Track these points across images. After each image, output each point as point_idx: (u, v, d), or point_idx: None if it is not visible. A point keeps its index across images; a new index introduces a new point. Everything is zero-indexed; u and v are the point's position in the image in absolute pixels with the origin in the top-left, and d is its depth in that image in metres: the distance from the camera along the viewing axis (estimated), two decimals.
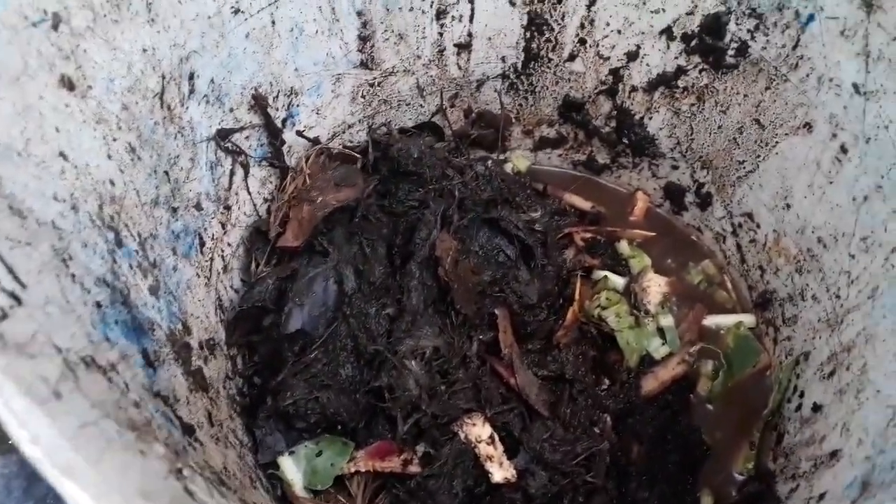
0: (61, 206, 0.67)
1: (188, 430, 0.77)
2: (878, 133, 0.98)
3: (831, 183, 1.07)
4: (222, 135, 1.01)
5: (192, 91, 0.94)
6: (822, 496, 0.94)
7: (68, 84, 0.70)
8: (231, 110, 1.02)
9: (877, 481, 0.83)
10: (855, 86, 0.99)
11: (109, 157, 0.77)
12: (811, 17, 1.01)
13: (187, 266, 0.95)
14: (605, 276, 1.31)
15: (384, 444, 1.03)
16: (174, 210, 0.92)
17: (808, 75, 1.05)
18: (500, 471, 1.00)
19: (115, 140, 0.78)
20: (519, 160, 1.47)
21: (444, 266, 1.10)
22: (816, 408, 1.09)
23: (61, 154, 0.69)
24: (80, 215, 0.70)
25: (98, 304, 0.68)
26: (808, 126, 1.09)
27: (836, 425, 1.01)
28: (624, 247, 1.38)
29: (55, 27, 0.69)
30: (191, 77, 0.93)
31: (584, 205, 1.42)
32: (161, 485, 0.56)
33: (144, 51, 0.83)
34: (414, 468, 1.00)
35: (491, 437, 1.02)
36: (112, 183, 0.77)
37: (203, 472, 0.72)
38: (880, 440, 0.88)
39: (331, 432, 1.05)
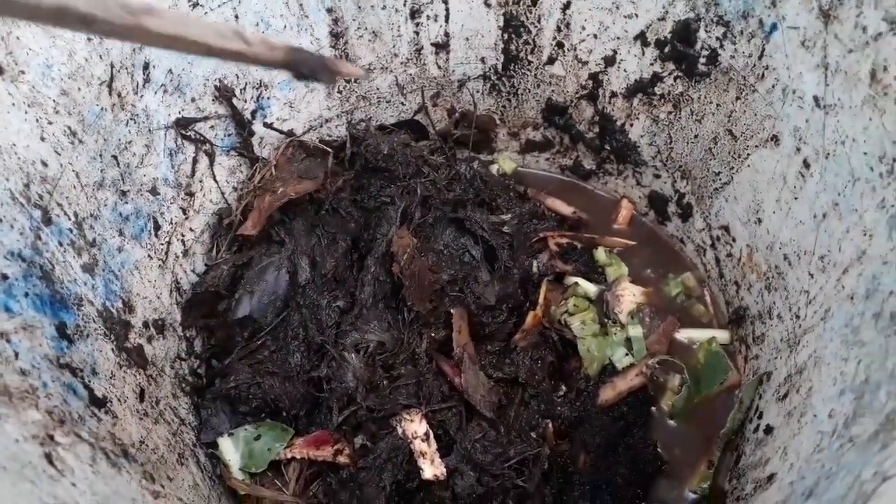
0: None
1: (98, 401, 0.81)
2: (836, 149, 0.94)
3: (796, 199, 1.04)
4: (183, 123, 1.05)
5: (147, 80, 0.98)
6: None
7: None
8: (193, 100, 1.06)
9: None
10: (815, 99, 0.95)
11: (43, 139, 0.82)
12: (774, 27, 0.98)
13: (136, 247, 0.99)
14: (576, 283, 1.29)
15: (322, 434, 1.05)
16: (123, 193, 0.97)
17: (773, 86, 1.02)
18: (431, 468, 1.01)
19: (50, 123, 0.82)
20: (506, 162, 1.47)
21: (399, 262, 1.11)
22: (769, 430, 1.05)
23: None
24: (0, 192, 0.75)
25: (4, 276, 0.72)
26: (776, 139, 1.05)
27: (779, 449, 0.98)
28: (601, 254, 1.36)
29: None
30: (145, 67, 0.97)
31: (566, 209, 1.41)
32: (13, 448, 0.59)
33: (89, 39, 0.87)
34: (343, 459, 1.02)
35: (426, 434, 1.03)
36: (44, 164, 0.82)
37: (98, 442, 0.75)
38: (805, 466, 0.85)
39: (275, 418, 1.08)
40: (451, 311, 1.14)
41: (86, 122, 0.88)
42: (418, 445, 1.02)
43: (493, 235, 1.22)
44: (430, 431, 1.03)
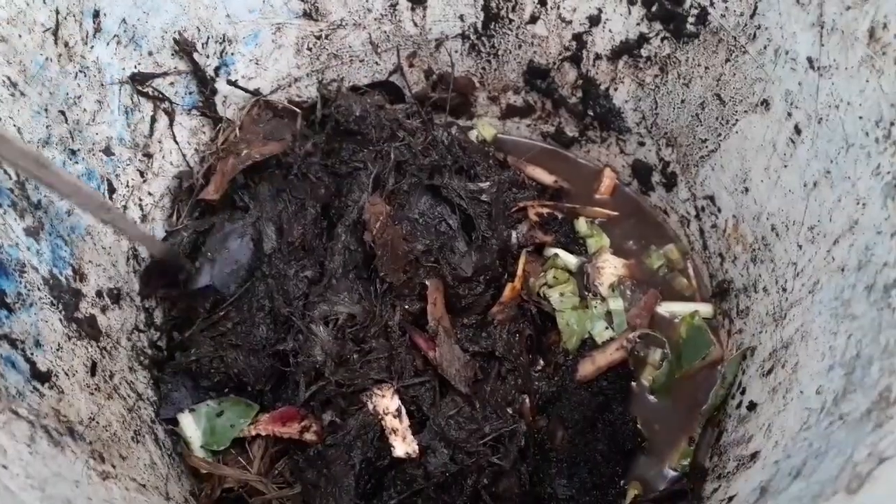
0: None
1: (41, 376, 0.75)
2: (829, 113, 0.89)
3: (786, 167, 0.99)
4: (139, 79, 0.98)
5: (97, 30, 0.90)
6: (731, 499, 0.88)
7: None
8: (150, 54, 0.99)
9: (773, 488, 0.77)
10: (809, 60, 0.90)
11: None
12: None
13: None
14: (556, 254, 1.25)
15: (289, 410, 1.00)
16: (73, 152, 0.90)
17: (765, 47, 0.97)
18: (403, 445, 0.96)
19: None
20: (485, 128, 1.41)
21: (371, 230, 1.06)
22: (752, 406, 1.02)
23: None
24: None
25: None
26: (766, 103, 1.00)
27: (763, 426, 0.94)
28: (582, 225, 1.31)
29: None
30: (95, 15, 0.89)
31: (547, 178, 1.35)
32: None
33: None
34: (310, 436, 0.97)
35: (398, 410, 0.98)
36: None
37: (39, 420, 0.69)
38: (791, 444, 0.81)
39: (239, 393, 1.03)
40: (426, 282, 1.09)
41: (28, 73, 0.81)
42: (390, 422, 0.98)
43: (471, 204, 1.16)
44: (403, 408, 0.98)
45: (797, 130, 0.95)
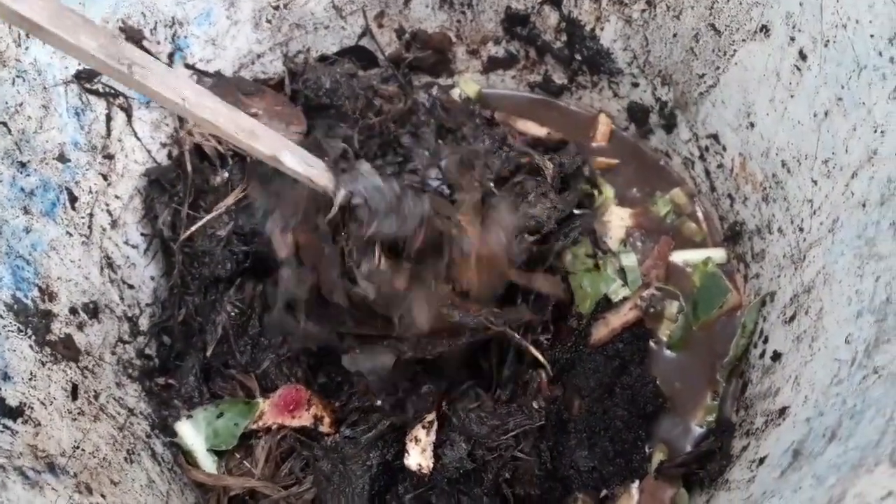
0: None
1: (11, 412, 0.70)
2: (836, 34, 0.81)
3: (792, 97, 0.91)
4: (85, 76, 0.91)
5: None
6: (762, 460, 0.83)
7: None
8: None
9: (807, 451, 0.71)
10: None
11: None
12: None
13: (49, 225, 0.87)
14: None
15: (291, 392, 0.96)
16: (22, 164, 0.83)
17: None
18: (419, 457, 0.90)
19: None
20: (468, 85, 1.33)
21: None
22: (776, 356, 0.96)
23: None
24: None
25: None
26: (766, 29, 0.92)
27: (789, 377, 0.88)
28: None
29: None
30: None
31: (539, 131, 1.27)
32: None
33: None
34: (325, 428, 0.92)
35: (430, 423, 0.92)
36: None
37: (11, 462, 0.65)
38: (822, 399, 0.75)
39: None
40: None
41: None
42: (417, 431, 0.91)
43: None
44: (436, 423, 0.92)
45: (802, 56, 0.87)
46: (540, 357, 0.96)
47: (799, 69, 0.88)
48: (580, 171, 1.17)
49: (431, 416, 0.90)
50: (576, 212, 1.11)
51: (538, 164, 1.11)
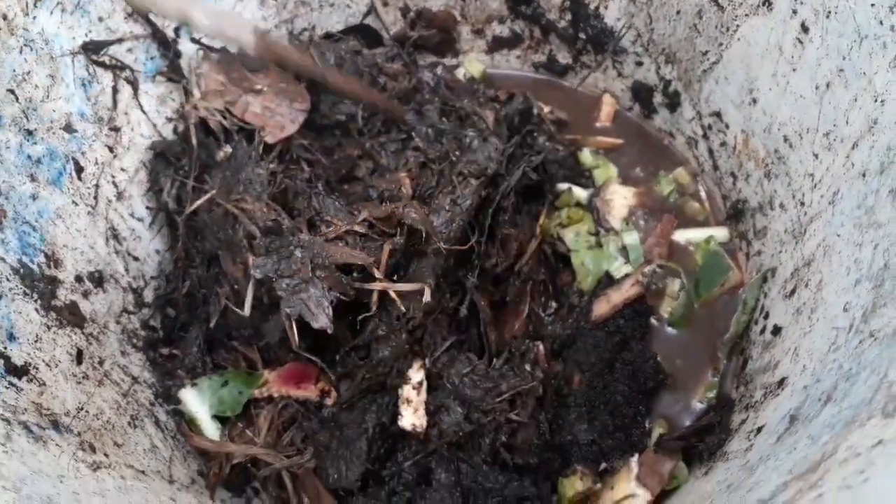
0: None
1: (16, 370, 0.71)
2: (837, 5, 0.81)
3: (795, 70, 0.91)
4: (92, 48, 0.92)
5: None
6: (760, 429, 0.83)
7: None
8: (100, 19, 0.93)
9: (803, 415, 0.71)
10: None
11: None
12: None
13: (56, 194, 0.88)
14: (569, 188, 1.18)
15: (300, 368, 0.96)
16: (29, 132, 0.84)
17: None
18: (412, 417, 0.91)
19: None
20: (472, 64, 1.33)
21: None
22: (776, 330, 0.96)
23: None
24: None
25: None
26: (768, 3, 0.92)
27: (789, 350, 0.89)
28: (587, 156, 1.25)
29: None
30: None
31: (543, 110, 1.28)
32: None
33: None
34: (331, 401, 0.93)
35: (420, 383, 0.93)
36: None
37: (15, 416, 0.66)
38: (820, 367, 0.76)
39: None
40: None
41: None
42: (407, 392, 0.92)
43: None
44: (426, 383, 0.93)
45: (804, 28, 0.87)
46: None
47: (801, 42, 0.88)
48: (528, 115, 1.17)
49: (420, 377, 0.91)
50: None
51: (479, 114, 1.12)
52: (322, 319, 0.84)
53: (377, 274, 0.88)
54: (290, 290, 0.85)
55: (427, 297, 0.89)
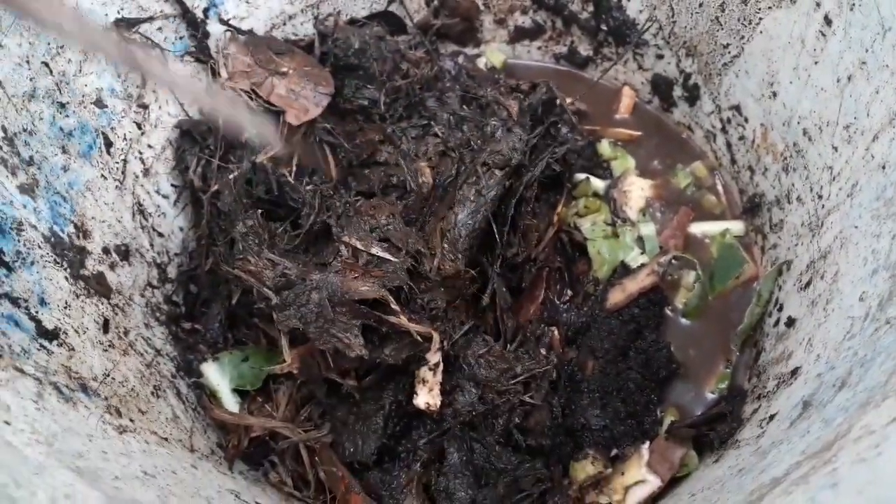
0: None
1: (48, 334, 0.73)
2: None
3: (816, 63, 0.92)
4: (124, 25, 0.94)
5: None
6: (772, 417, 0.84)
7: None
8: None
9: (817, 401, 0.72)
10: None
11: None
12: None
13: (86, 166, 0.90)
14: (587, 178, 1.19)
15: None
16: (62, 105, 0.86)
17: None
18: (426, 396, 0.92)
19: None
20: (494, 54, 1.34)
21: None
22: (790, 322, 0.97)
23: None
24: None
25: None
26: None
27: (803, 340, 0.90)
28: (605, 147, 1.26)
29: None
30: None
31: (564, 102, 1.29)
32: None
33: None
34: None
35: (437, 364, 0.94)
36: None
37: (47, 377, 0.68)
38: (834, 355, 0.77)
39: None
40: None
41: (3, 24, 0.77)
42: (423, 372, 0.93)
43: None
44: (442, 364, 0.94)
45: (827, 21, 0.88)
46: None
47: (824, 35, 0.89)
48: (552, 105, 1.18)
49: (437, 358, 0.92)
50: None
51: (502, 103, 1.12)
52: (356, 348, 0.86)
53: (393, 305, 0.89)
54: (319, 331, 0.87)
55: (436, 343, 0.91)
